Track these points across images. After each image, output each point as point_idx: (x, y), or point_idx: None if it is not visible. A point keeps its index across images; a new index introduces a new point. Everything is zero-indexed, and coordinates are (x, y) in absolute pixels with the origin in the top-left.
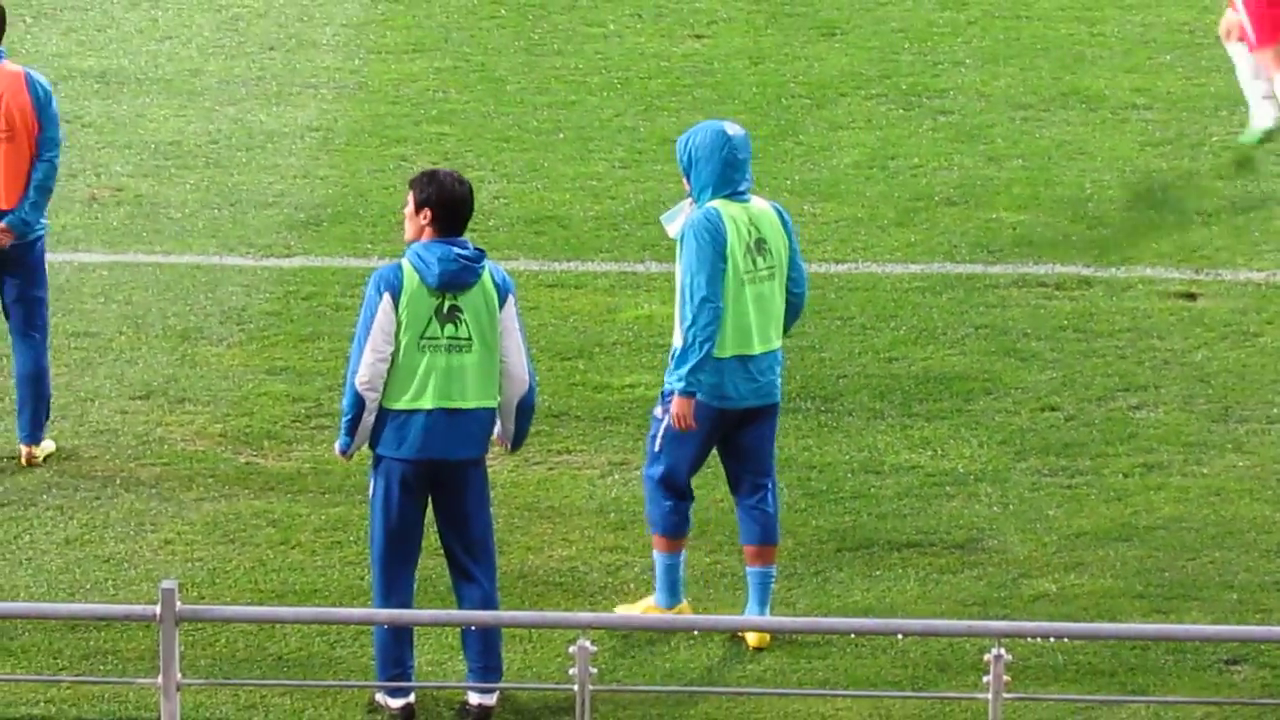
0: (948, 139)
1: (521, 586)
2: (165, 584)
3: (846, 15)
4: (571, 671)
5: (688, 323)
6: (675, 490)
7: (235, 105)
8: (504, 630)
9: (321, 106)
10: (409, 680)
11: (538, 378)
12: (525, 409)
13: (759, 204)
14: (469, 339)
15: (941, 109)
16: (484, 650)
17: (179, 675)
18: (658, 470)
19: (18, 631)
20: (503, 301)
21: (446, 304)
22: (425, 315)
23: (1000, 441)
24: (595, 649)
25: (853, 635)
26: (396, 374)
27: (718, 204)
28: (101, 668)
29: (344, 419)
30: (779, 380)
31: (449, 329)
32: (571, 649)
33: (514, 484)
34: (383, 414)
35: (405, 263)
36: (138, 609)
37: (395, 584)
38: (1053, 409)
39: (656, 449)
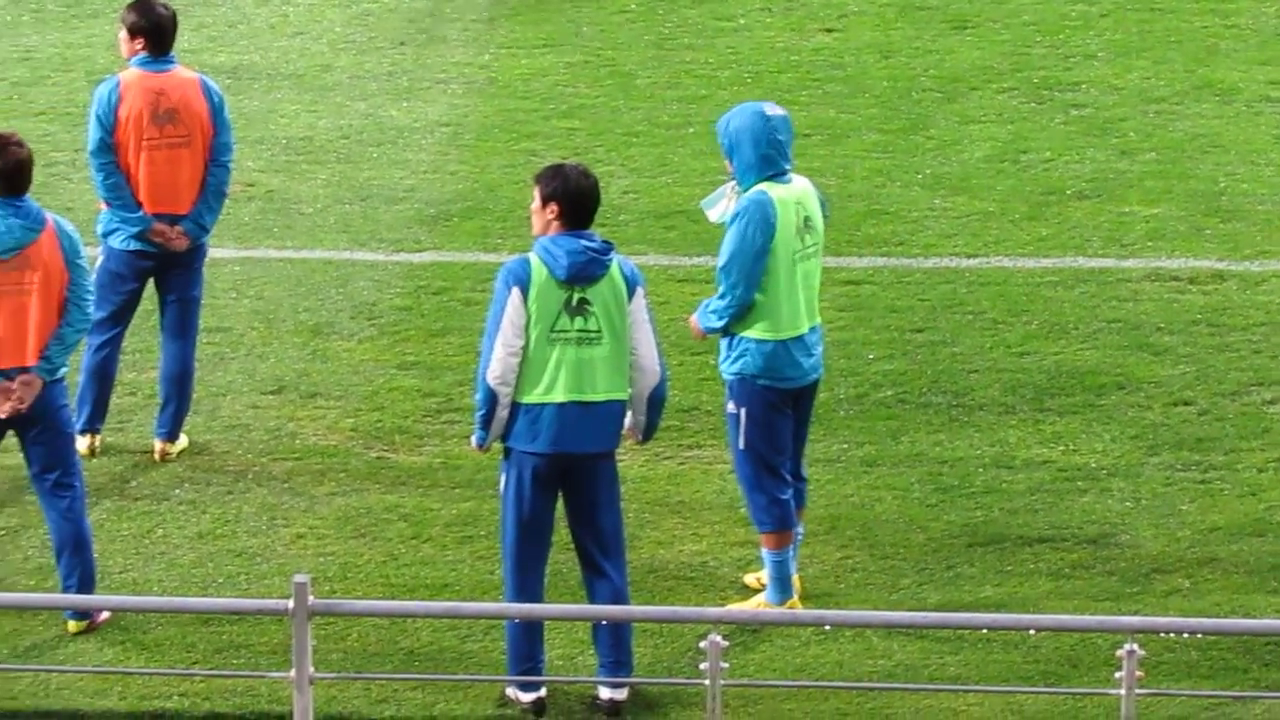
0: (1079, 133)
1: (652, 581)
2: (298, 578)
3: (978, 8)
4: (702, 666)
5: (724, 304)
6: (772, 482)
7: (366, 101)
8: (635, 625)
9: (452, 102)
10: (540, 674)
11: (668, 371)
12: (656, 401)
13: (800, 182)
14: (599, 331)
15: (1073, 102)
16: (615, 644)
17: (311, 669)
18: (749, 467)
19: (151, 625)
20: (632, 293)
21: (575, 297)
22: (554, 308)
23: (1132, 436)
24: (726, 643)
25: (984, 631)
26: (527, 367)
27: (765, 187)
28: (234, 662)
29: (478, 414)
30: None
31: (578, 322)
32: (702, 644)
33: (644, 479)
34: (515, 407)
35: (533, 256)
36: (270, 603)
37: (527, 579)
38: (1185, 404)
39: (742, 445)
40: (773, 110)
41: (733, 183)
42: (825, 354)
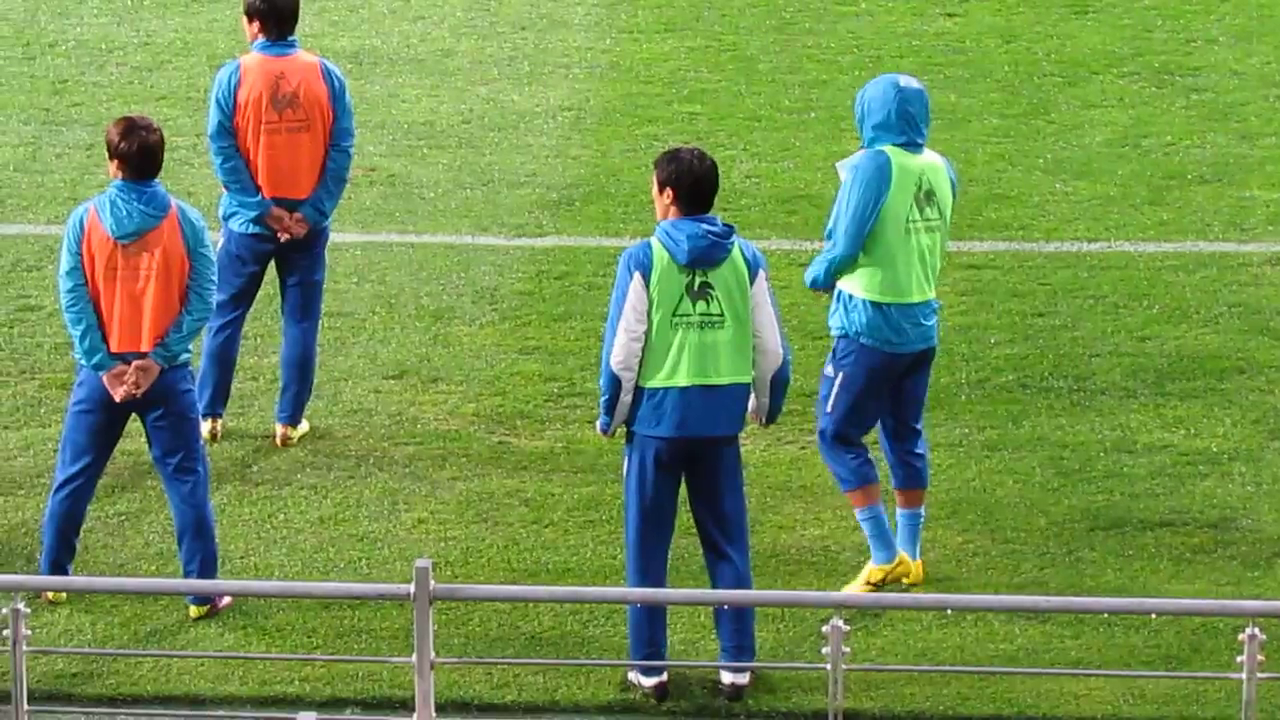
0: (1200, 117)
1: (774, 565)
2: (419, 563)
3: None
4: (824, 650)
5: (835, 254)
6: (854, 443)
7: (488, 85)
8: (757, 609)
9: (573, 86)
10: (662, 659)
11: (791, 354)
12: (780, 383)
13: (932, 157)
14: (721, 315)
15: (1194, 87)
16: (737, 629)
17: (433, 654)
18: (834, 427)
19: (273, 610)
20: (754, 277)
21: (697, 281)
22: (677, 292)
23: (1254, 420)
24: (848, 628)
25: (1105, 615)
26: (651, 352)
27: (887, 149)
28: (356, 647)
29: (602, 399)
30: (936, 326)
31: (700, 305)
32: (825, 628)
33: (766, 463)
34: (638, 392)
35: (655, 241)
36: (392, 588)
37: (649, 563)
38: None
39: (829, 408)
40: (907, 82)
41: (863, 150)
42: (947, 338)
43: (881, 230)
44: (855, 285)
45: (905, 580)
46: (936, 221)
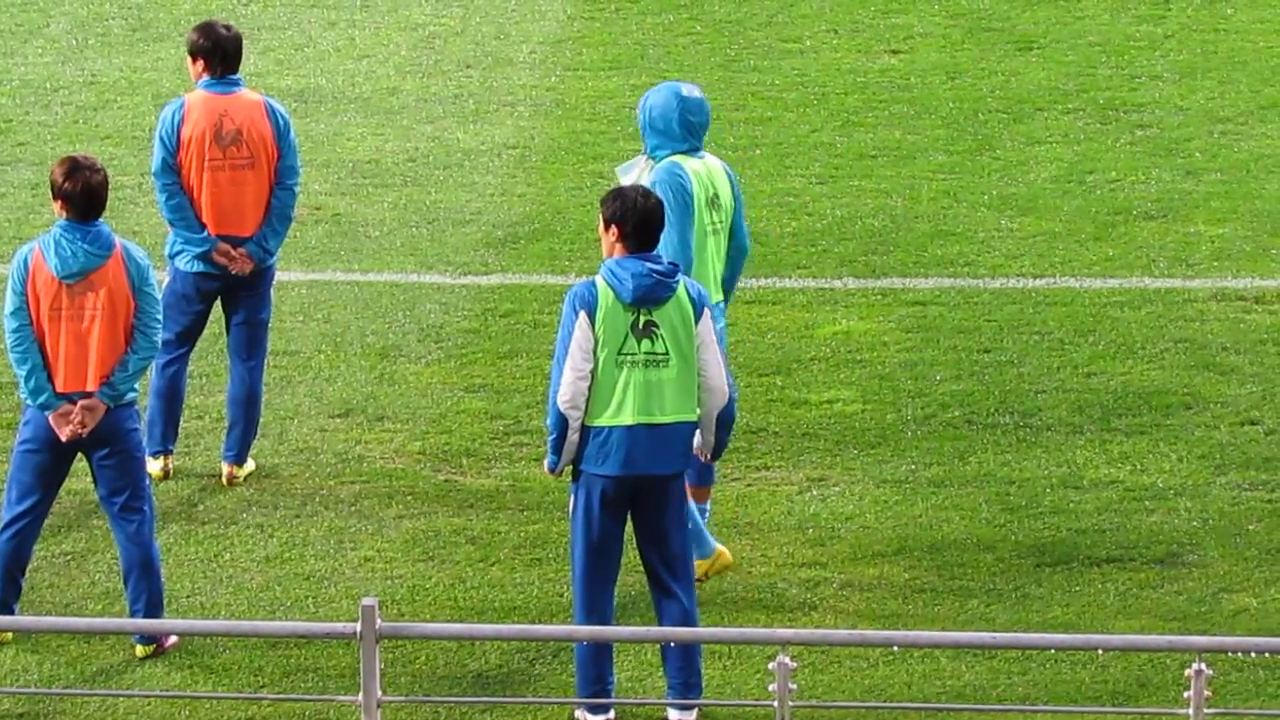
0: (1145, 153)
1: (720, 603)
2: (366, 601)
3: (1043, 29)
4: (771, 688)
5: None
6: None
7: (433, 124)
8: (704, 646)
9: (519, 124)
10: (609, 697)
11: (737, 392)
12: (725, 421)
13: (713, 161)
14: (666, 354)
15: (1139, 123)
16: (684, 666)
17: (380, 692)
18: None
19: (219, 649)
20: (699, 315)
21: (642, 319)
22: (622, 331)
23: (1200, 456)
24: (795, 665)
25: (1053, 651)
26: (596, 390)
27: (677, 159)
28: (302, 685)
29: (550, 437)
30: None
31: (645, 344)
32: (771, 665)
33: (713, 500)
34: (584, 430)
35: (600, 279)
36: (338, 626)
37: (595, 600)
38: (1253, 423)
39: None
40: (689, 91)
41: (646, 156)
42: (892, 375)
43: (695, 230)
44: None
45: (725, 568)
46: (721, 224)
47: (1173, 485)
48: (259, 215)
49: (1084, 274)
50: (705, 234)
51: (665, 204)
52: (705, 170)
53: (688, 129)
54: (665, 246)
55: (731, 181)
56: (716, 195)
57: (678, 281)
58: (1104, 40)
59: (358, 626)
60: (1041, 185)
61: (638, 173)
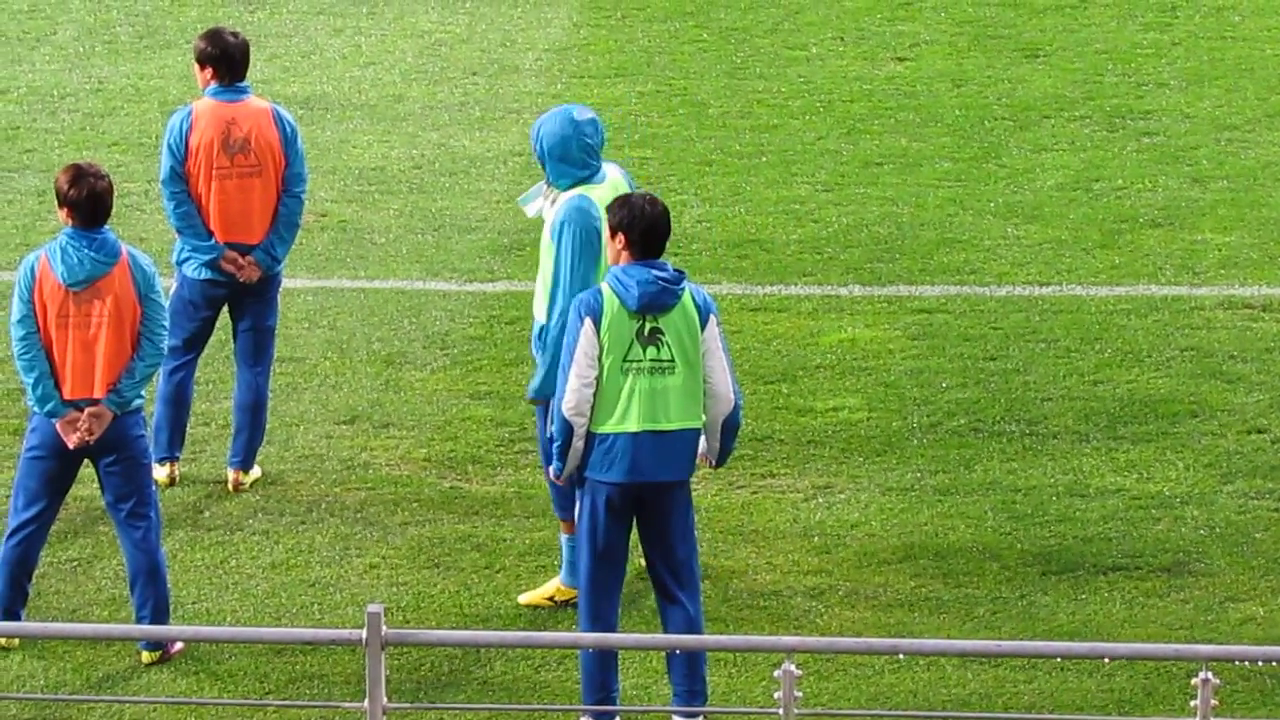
0: (1152, 160)
1: (725, 610)
2: (371, 608)
3: (1050, 37)
4: (776, 695)
5: (556, 315)
6: None
7: (438, 130)
8: (709, 654)
9: (524, 131)
10: (614, 704)
11: (742, 399)
12: (730, 428)
13: (612, 175)
14: (671, 361)
15: (1146, 130)
16: (689, 674)
17: (385, 700)
18: None
19: (225, 655)
20: (704, 322)
21: (648, 326)
22: (627, 338)
23: (1206, 464)
24: (800, 672)
25: (1058, 659)
26: (601, 397)
27: (583, 190)
28: (308, 692)
29: (555, 445)
30: None
31: (651, 351)
32: (776, 673)
33: (718, 508)
34: (590, 437)
35: (605, 287)
36: (344, 633)
37: (601, 607)
38: (1260, 431)
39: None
40: (581, 114)
41: (548, 183)
42: (898, 382)
43: (598, 271)
44: None
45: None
46: None
47: (1179, 493)
48: (266, 222)
49: (1090, 282)
50: None
51: (569, 247)
52: (611, 193)
53: (586, 152)
54: (568, 288)
55: (631, 187)
56: None
57: (683, 288)
58: (1110, 48)
59: (363, 633)
60: (1048, 193)
61: (541, 200)
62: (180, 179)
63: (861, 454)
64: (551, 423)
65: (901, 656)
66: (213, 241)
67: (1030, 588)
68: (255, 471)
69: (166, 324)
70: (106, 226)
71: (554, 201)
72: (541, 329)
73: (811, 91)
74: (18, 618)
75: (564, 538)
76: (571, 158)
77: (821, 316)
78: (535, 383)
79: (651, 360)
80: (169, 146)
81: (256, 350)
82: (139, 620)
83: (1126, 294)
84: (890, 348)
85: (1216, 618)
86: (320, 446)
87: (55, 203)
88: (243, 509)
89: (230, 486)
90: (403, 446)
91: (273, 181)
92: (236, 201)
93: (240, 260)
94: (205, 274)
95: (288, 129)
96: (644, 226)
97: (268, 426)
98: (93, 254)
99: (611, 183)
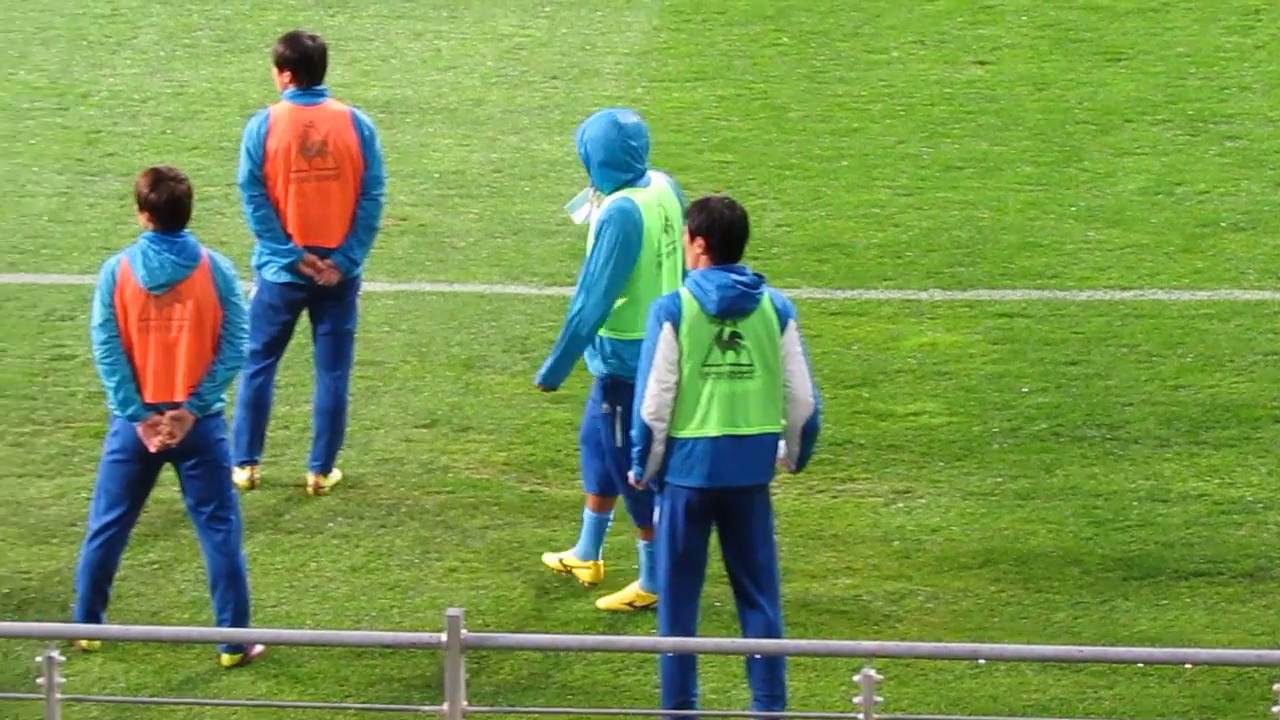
0: (1234, 164)
1: (805, 615)
2: (451, 612)
3: (1132, 40)
4: (856, 700)
5: (579, 310)
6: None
7: (518, 134)
8: (789, 658)
9: None
10: (694, 708)
11: (822, 403)
12: (810, 432)
13: (658, 181)
14: (751, 365)
15: (1228, 134)
16: (768, 678)
17: (464, 703)
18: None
19: (305, 659)
20: (784, 326)
21: (727, 331)
22: (706, 343)
23: None
24: (880, 677)
25: (1139, 664)
26: (681, 402)
27: (628, 194)
28: (387, 695)
29: (634, 449)
30: None
31: (730, 355)
32: (856, 677)
33: (798, 512)
34: (670, 442)
35: (684, 291)
36: (424, 637)
37: (680, 611)
38: None
39: (619, 444)
40: (625, 118)
41: (594, 188)
42: (979, 387)
43: (637, 272)
44: (610, 326)
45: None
46: (674, 244)
47: (1261, 498)
48: (345, 226)
49: (1172, 286)
50: (658, 262)
51: (605, 246)
52: (655, 198)
53: (631, 155)
54: (595, 285)
55: (678, 197)
56: (668, 218)
57: (762, 292)
58: (1193, 51)
59: (443, 637)
60: (1129, 197)
61: (588, 207)
62: (258, 183)
63: (941, 459)
64: (631, 427)
65: (982, 661)
66: (291, 245)
67: (1111, 593)
68: (335, 475)
69: (247, 327)
70: (187, 230)
71: (599, 206)
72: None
73: (892, 95)
74: (99, 620)
75: (642, 544)
76: (616, 161)
77: (901, 321)
78: (546, 369)
79: (731, 364)
80: (247, 150)
81: (336, 354)
82: (219, 623)
83: (1208, 298)
84: (971, 352)
85: None
86: (400, 450)
87: (135, 207)
88: (322, 512)
89: (310, 490)
90: (482, 450)
91: (351, 185)
92: (315, 205)
93: (319, 263)
94: (284, 277)
95: (366, 132)
96: (723, 230)
97: (347, 430)
98: (173, 257)
99: (657, 188)
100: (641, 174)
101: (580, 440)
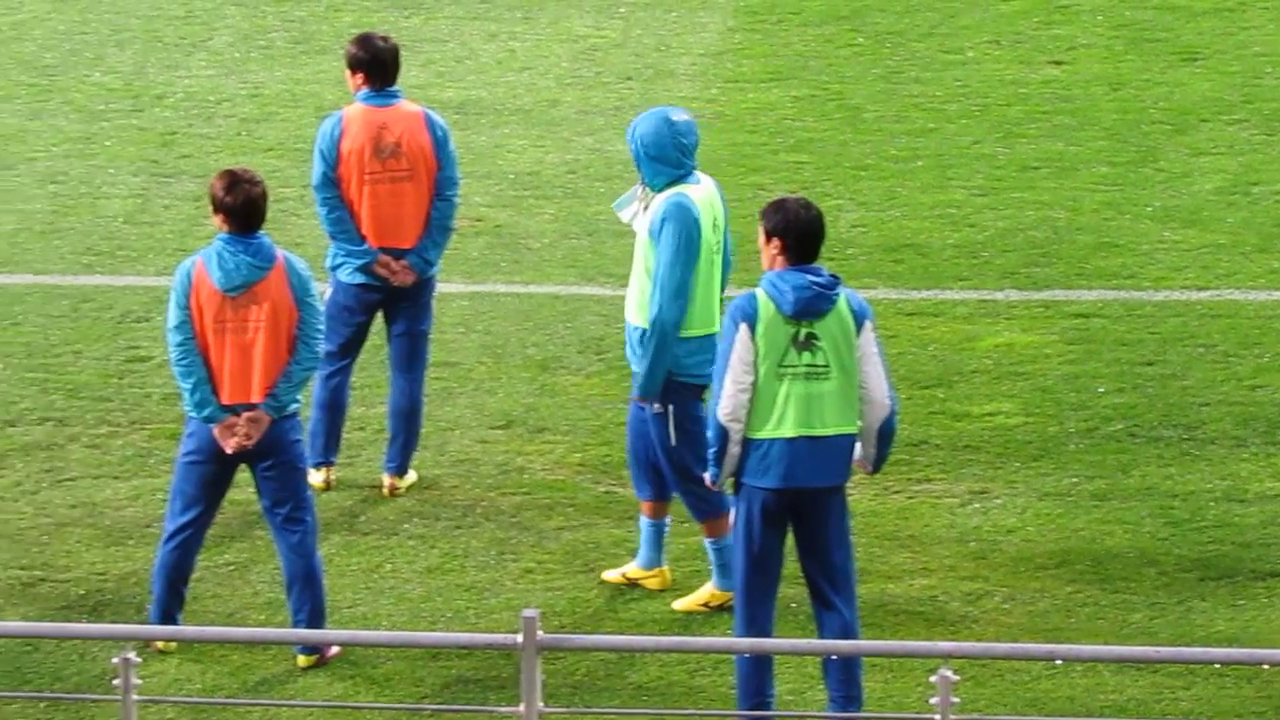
0: None
1: (881, 615)
2: (527, 613)
3: (1208, 40)
4: (933, 701)
5: (658, 312)
6: (697, 474)
7: (593, 135)
8: (865, 659)
9: None
10: (770, 709)
11: (898, 404)
12: (886, 433)
13: (706, 181)
14: (826, 366)
15: None
16: (845, 679)
17: (540, 704)
18: (681, 463)
19: (380, 660)
20: (860, 327)
21: (803, 332)
22: (782, 343)
23: None
24: (956, 678)
25: (1217, 665)
26: (757, 403)
27: (682, 189)
28: (463, 696)
29: (710, 450)
30: None
31: (806, 356)
32: (932, 678)
33: (873, 513)
34: (746, 442)
35: (760, 292)
36: (500, 638)
37: (756, 612)
38: None
39: (674, 443)
40: (677, 115)
41: (642, 186)
42: (1055, 387)
43: (695, 269)
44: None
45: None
46: (720, 244)
47: None
48: (418, 227)
49: (1248, 286)
50: (712, 262)
51: (670, 245)
52: (706, 196)
53: (682, 152)
54: (667, 287)
55: (722, 198)
56: (716, 218)
57: (838, 294)
58: (1269, 50)
59: (519, 638)
60: (1205, 197)
61: (637, 205)
62: (332, 184)
63: (1018, 459)
64: (706, 428)
65: (1058, 662)
66: (366, 246)
67: (1188, 593)
68: (410, 476)
69: (323, 328)
70: (262, 232)
71: (647, 206)
72: (642, 333)
73: (967, 95)
74: (175, 622)
75: (708, 542)
76: (667, 157)
77: (977, 321)
78: (641, 381)
79: (807, 365)
80: (320, 152)
81: (411, 355)
82: (295, 624)
83: None
84: (1046, 352)
85: None
86: (475, 451)
87: (211, 209)
88: (398, 514)
89: (386, 491)
90: (557, 451)
91: (425, 186)
92: (388, 206)
93: (393, 265)
94: (359, 279)
95: (439, 132)
96: (799, 231)
97: (423, 431)
98: (249, 259)
99: (706, 188)
100: (690, 171)
101: (627, 449)
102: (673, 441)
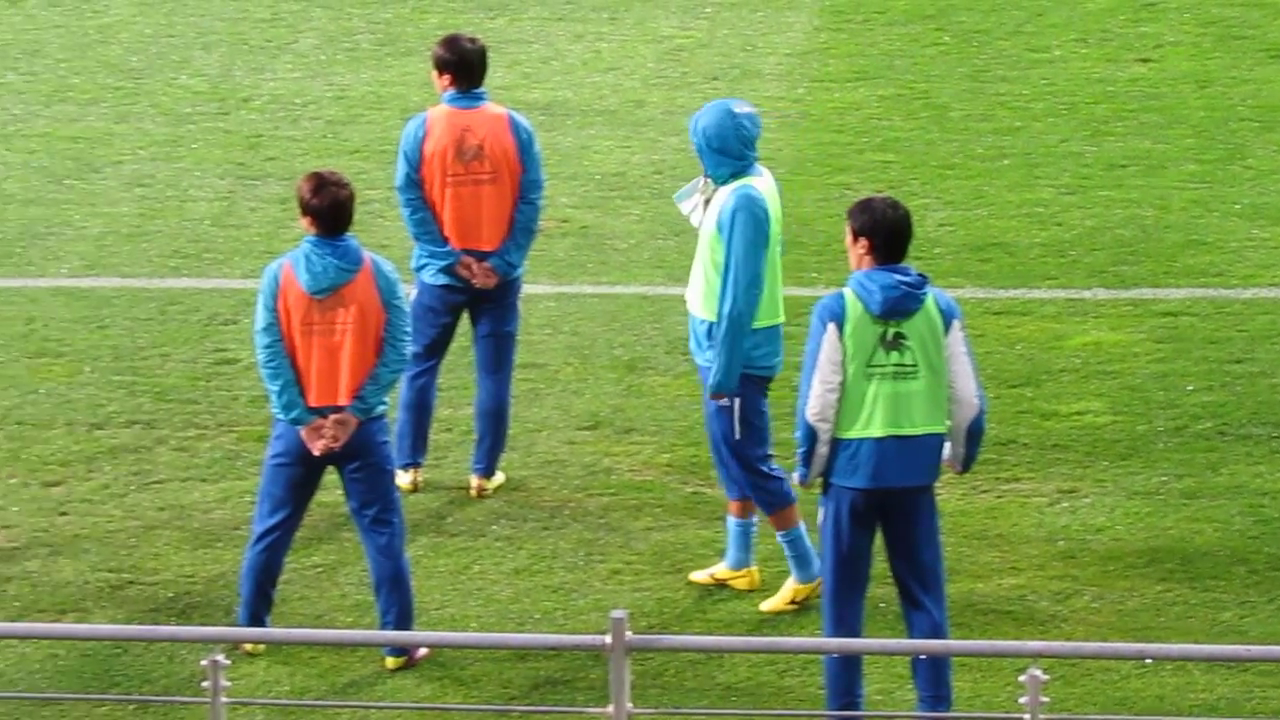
0: None
1: (970, 615)
2: (615, 613)
3: None
4: (1022, 700)
5: (733, 304)
6: (766, 466)
7: (679, 136)
8: (954, 659)
9: (765, 136)
10: (859, 709)
11: (986, 404)
12: (975, 433)
13: (767, 174)
14: (915, 365)
15: None
16: (934, 679)
17: (629, 705)
18: (746, 456)
19: (468, 661)
20: (948, 327)
21: (891, 331)
22: (870, 343)
23: None
24: (1046, 677)
25: None
26: (845, 403)
27: (748, 182)
28: (551, 698)
29: (799, 451)
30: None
31: (894, 356)
32: (1022, 677)
33: (962, 512)
34: (834, 442)
35: (848, 291)
36: (588, 639)
37: (845, 612)
38: None
39: (739, 436)
40: (740, 107)
41: (705, 179)
42: (1143, 386)
43: (766, 262)
44: None
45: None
46: (780, 236)
47: None
48: (501, 229)
49: None
50: (775, 254)
51: (742, 236)
52: (769, 188)
53: (744, 144)
54: (740, 278)
55: (779, 193)
56: (777, 211)
57: (926, 293)
58: None
59: (607, 639)
60: None
61: (698, 197)
62: (415, 186)
63: (1106, 458)
64: (795, 429)
65: (1148, 661)
66: (449, 248)
67: (1278, 591)
68: (498, 477)
69: (409, 330)
70: (349, 234)
71: (709, 199)
72: (709, 326)
73: (1054, 94)
74: (263, 624)
75: (779, 536)
76: (730, 149)
77: (1065, 320)
78: (718, 376)
79: (895, 365)
80: (404, 153)
81: (497, 356)
82: (383, 626)
83: None
84: (1135, 351)
85: None
86: (562, 452)
87: (298, 211)
88: (485, 515)
89: (473, 492)
90: (645, 452)
91: (508, 188)
92: (471, 208)
93: (475, 266)
94: (442, 280)
95: (523, 135)
96: (887, 231)
97: (510, 432)
98: (336, 261)
99: (768, 182)
100: (753, 163)
101: (710, 449)
102: (737, 435)
